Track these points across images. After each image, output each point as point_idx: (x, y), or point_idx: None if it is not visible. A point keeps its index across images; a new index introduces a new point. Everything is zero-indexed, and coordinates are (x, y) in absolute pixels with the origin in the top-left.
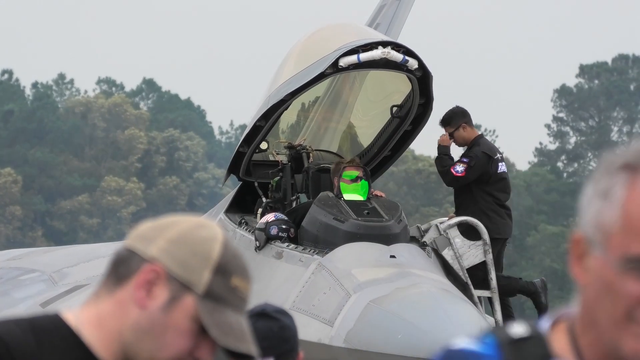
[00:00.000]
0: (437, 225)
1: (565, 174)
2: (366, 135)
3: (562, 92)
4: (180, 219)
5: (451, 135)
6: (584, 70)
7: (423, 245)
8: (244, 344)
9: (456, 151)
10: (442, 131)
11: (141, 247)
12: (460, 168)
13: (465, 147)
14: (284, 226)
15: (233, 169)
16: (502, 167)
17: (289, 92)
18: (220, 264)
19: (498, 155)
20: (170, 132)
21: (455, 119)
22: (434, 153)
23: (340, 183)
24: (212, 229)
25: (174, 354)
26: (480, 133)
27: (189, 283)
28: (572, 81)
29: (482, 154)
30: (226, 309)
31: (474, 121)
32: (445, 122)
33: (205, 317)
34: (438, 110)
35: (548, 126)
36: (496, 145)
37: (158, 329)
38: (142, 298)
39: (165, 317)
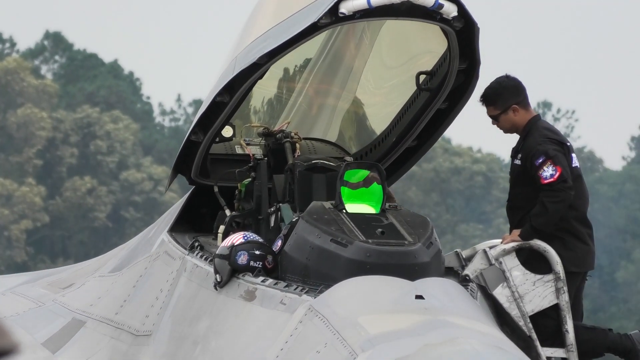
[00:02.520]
0: (485, 251)
1: None
2: (381, 117)
3: None
4: None
5: (495, 119)
6: None
7: (465, 281)
8: (4, 339)
9: (497, 136)
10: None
11: None
12: (550, 169)
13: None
14: (257, 252)
15: (181, 166)
16: (574, 160)
17: (264, 52)
18: None
19: (567, 142)
20: (86, 111)
21: (504, 96)
22: (480, 143)
23: (342, 188)
24: None
25: None
26: (537, 113)
27: None
28: None
29: (551, 142)
30: None
31: (540, 97)
32: (489, 99)
33: None
34: (486, 80)
35: None
36: (576, 134)
37: None
38: None
39: None
